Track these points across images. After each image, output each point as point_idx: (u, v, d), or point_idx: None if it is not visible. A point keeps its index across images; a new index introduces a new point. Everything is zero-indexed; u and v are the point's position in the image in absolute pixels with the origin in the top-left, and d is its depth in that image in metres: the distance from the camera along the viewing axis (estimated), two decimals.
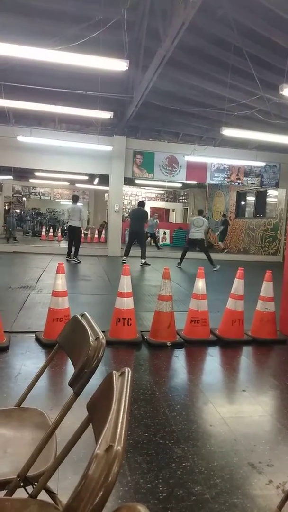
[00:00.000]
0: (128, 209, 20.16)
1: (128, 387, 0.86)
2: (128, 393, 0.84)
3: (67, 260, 10.07)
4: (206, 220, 9.92)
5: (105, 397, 0.88)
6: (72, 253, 10.24)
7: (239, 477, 1.92)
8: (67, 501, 0.64)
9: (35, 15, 6.92)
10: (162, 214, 21.95)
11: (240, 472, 1.96)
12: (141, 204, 10.41)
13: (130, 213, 10.33)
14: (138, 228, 10.06)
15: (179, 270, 9.73)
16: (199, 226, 9.55)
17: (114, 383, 0.88)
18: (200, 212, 10.57)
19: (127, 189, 20.39)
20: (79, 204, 10.27)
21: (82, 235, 11.09)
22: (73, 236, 10.20)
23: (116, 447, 0.65)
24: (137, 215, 10.08)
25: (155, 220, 15.92)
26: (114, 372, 0.93)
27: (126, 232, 17.01)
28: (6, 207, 21.22)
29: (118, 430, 0.70)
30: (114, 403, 0.80)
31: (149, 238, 15.80)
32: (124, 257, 10.13)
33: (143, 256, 10.00)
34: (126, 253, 10.16)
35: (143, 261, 9.92)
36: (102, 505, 0.60)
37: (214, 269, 9.52)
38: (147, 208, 15.95)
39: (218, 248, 16.56)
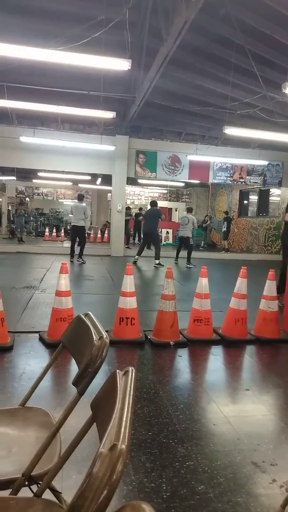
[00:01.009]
0: (132, 208, 20.16)
1: (132, 386, 0.86)
2: (131, 392, 0.84)
3: (71, 261, 9.97)
4: (193, 217, 10.50)
5: (109, 396, 0.88)
6: (77, 253, 10.15)
7: (242, 476, 1.92)
8: (71, 499, 0.65)
9: (37, 15, 6.94)
10: (165, 214, 21.93)
11: (244, 471, 1.96)
12: (154, 203, 10.21)
13: (145, 214, 10.26)
14: (148, 229, 9.98)
15: (182, 269, 9.73)
16: (185, 224, 10.28)
17: (118, 382, 0.88)
18: (189, 210, 11.09)
19: (130, 189, 20.39)
20: (83, 203, 10.19)
21: (86, 235, 11.03)
22: (76, 236, 10.15)
23: (120, 445, 0.66)
24: (151, 215, 9.97)
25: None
26: (117, 371, 0.94)
27: (131, 231, 17.00)
28: (10, 207, 21.26)
29: (122, 429, 0.71)
30: (118, 402, 0.81)
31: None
32: (136, 257, 10.03)
33: (157, 256, 9.79)
34: (139, 253, 10.05)
35: (157, 261, 9.70)
36: (106, 504, 0.60)
37: (188, 265, 10.11)
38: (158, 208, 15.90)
39: (221, 247, 16.53)
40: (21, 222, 15.81)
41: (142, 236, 10.45)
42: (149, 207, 10.84)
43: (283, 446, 2.22)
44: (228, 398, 2.89)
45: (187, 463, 2.00)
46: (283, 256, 5.86)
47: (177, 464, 1.99)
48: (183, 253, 10.65)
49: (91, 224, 22.70)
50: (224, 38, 7.10)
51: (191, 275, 8.83)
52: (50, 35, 6.72)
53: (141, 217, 10.61)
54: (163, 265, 9.65)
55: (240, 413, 2.62)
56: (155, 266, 9.68)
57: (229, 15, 6.32)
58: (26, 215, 16.65)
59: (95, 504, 0.60)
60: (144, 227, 10.17)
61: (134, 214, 17.13)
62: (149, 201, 12.48)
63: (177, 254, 10.98)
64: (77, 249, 10.19)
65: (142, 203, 21.07)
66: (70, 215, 10.51)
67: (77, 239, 10.18)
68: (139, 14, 7.14)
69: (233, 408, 2.71)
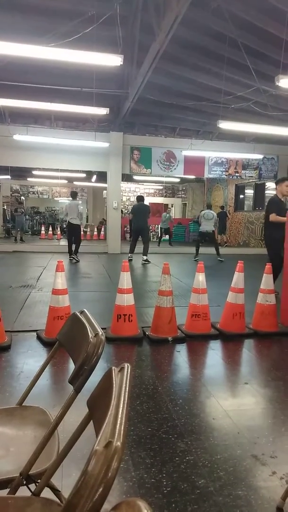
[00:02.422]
0: (127, 205, 20.11)
1: (128, 383, 0.86)
2: (127, 388, 0.84)
3: (70, 259, 9.85)
4: (215, 213, 10.77)
5: (104, 393, 0.87)
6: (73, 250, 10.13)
7: (242, 469, 1.93)
8: (67, 498, 0.64)
9: (27, 12, 6.87)
10: (161, 210, 21.91)
11: (244, 465, 1.96)
12: (141, 199, 10.12)
13: (133, 209, 10.17)
14: (143, 224, 9.90)
15: (178, 265, 9.74)
16: (209, 219, 10.29)
17: (114, 379, 0.88)
18: (209, 206, 11.18)
19: (125, 185, 20.35)
20: (77, 201, 10.13)
21: (82, 232, 10.95)
22: (73, 234, 10.12)
23: (115, 442, 0.65)
24: (141, 210, 9.87)
25: (168, 215, 15.36)
26: (113, 368, 0.93)
27: (125, 228, 16.92)
28: (5, 207, 21.18)
29: (118, 426, 0.70)
30: (113, 398, 0.80)
31: (163, 234, 15.48)
32: (130, 254, 10.00)
33: (145, 252, 9.81)
34: (132, 250, 10.02)
35: (145, 257, 9.73)
36: (102, 501, 0.60)
37: (220, 259, 10.28)
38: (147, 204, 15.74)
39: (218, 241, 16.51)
40: (22, 221, 15.67)
41: (132, 232, 10.24)
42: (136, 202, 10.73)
43: (282, 438, 2.22)
44: (227, 392, 2.89)
45: (187, 458, 2.00)
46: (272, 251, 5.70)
47: (177, 459, 1.99)
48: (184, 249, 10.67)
49: (87, 222, 22.68)
50: (217, 31, 7.06)
51: (190, 271, 8.84)
52: (41, 31, 6.66)
53: (130, 215, 10.45)
54: (150, 261, 9.66)
55: (240, 407, 2.62)
56: (143, 263, 9.62)
57: (221, 8, 6.29)
58: (22, 212, 16.53)
59: (90, 502, 0.59)
60: (136, 223, 10.00)
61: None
62: (144, 197, 12.46)
63: (197, 250, 10.70)
64: (73, 247, 10.16)
65: None
66: (63, 217, 10.39)
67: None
68: (130, 8, 7.09)
69: (232, 402, 2.72)
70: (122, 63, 5.63)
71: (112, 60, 5.59)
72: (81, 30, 6.14)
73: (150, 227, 18.09)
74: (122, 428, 0.69)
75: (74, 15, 6.45)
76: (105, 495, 0.60)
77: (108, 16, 6.21)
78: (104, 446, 0.65)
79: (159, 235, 15.91)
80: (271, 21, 6.53)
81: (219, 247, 10.93)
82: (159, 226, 15.54)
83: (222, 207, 16.64)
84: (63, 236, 17.92)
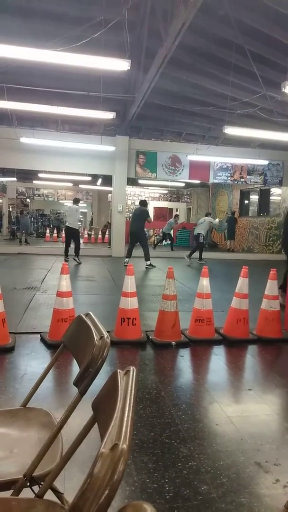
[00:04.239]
0: (132, 209, 20.14)
1: (133, 386, 0.86)
2: (133, 391, 0.84)
3: (65, 261, 9.92)
4: (207, 218, 11.56)
5: (110, 396, 0.88)
6: (71, 254, 10.15)
7: (245, 476, 1.91)
8: (72, 500, 0.64)
9: (36, 16, 6.95)
10: (166, 214, 21.91)
11: (247, 471, 1.95)
12: (143, 203, 10.00)
13: (132, 213, 10.18)
14: (136, 229, 9.69)
15: (182, 269, 9.72)
16: (200, 224, 11.39)
17: (119, 382, 0.88)
18: (207, 214, 12.20)
19: (130, 189, 20.38)
20: (77, 206, 10.20)
21: (86, 235, 10.97)
22: (70, 238, 10.14)
23: (121, 445, 0.65)
24: (136, 215, 9.76)
25: (173, 221, 15.02)
26: (119, 371, 0.93)
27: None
28: (10, 209, 21.28)
29: (123, 429, 0.70)
30: (119, 401, 0.80)
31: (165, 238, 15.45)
32: (126, 259, 9.84)
33: (146, 257, 9.69)
34: (128, 255, 9.87)
35: (148, 263, 9.63)
36: (107, 504, 0.60)
37: (195, 261, 10.94)
38: (150, 208, 15.70)
39: (223, 247, 16.49)
40: (26, 223, 15.77)
41: (129, 237, 10.10)
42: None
43: (286, 446, 2.21)
44: (230, 398, 2.88)
45: (190, 463, 1.99)
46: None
47: (179, 464, 1.98)
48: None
49: (91, 225, 22.73)
50: (223, 38, 7.10)
51: (195, 275, 8.82)
52: (49, 36, 6.72)
53: (127, 218, 10.46)
54: (154, 266, 9.57)
55: (243, 413, 2.61)
56: (146, 268, 9.53)
57: (228, 15, 6.32)
58: (28, 215, 16.64)
59: (96, 504, 0.59)
60: (132, 226, 9.81)
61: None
62: (148, 201, 12.48)
63: (192, 252, 11.36)
64: (71, 250, 10.19)
65: None
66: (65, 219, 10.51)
67: (72, 241, 10.19)
68: (138, 14, 7.15)
69: (236, 408, 2.70)
70: (129, 68, 5.67)
71: (119, 65, 5.63)
72: (89, 35, 6.19)
73: (154, 231, 18.09)
74: (128, 430, 0.70)
75: (83, 20, 6.51)
76: (111, 498, 0.60)
77: (116, 21, 6.26)
78: (110, 449, 0.65)
79: (161, 239, 15.83)
80: (278, 28, 6.56)
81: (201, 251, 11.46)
82: (162, 230, 15.52)
83: (233, 213, 16.54)
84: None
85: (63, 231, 12.59)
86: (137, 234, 9.79)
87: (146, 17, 6.91)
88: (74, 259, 10.07)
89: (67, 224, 10.00)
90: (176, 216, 15.94)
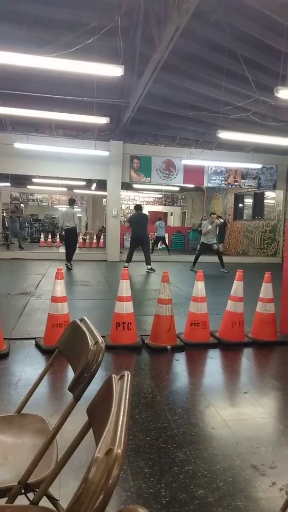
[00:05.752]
0: (127, 213, 20.15)
1: (128, 390, 0.86)
2: (127, 396, 0.84)
3: (66, 265, 9.90)
4: (212, 224, 10.74)
5: (104, 401, 0.87)
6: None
7: (242, 479, 1.91)
8: (67, 505, 0.64)
9: (30, 22, 6.97)
10: (161, 218, 21.97)
11: (243, 475, 1.94)
12: (139, 207, 10.07)
13: (131, 219, 10.09)
14: (143, 234, 9.80)
15: (177, 273, 9.73)
16: (210, 232, 10.24)
17: (114, 387, 0.88)
18: (205, 220, 12.00)
19: (124, 193, 20.41)
20: (73, 208, 10.07)
21: (81, 240, 10.82)
22: (69, 238, 10.03)
23: (116, 450, 0.65)
24: (141, 219, 9.79)
25: (158, 222, 15.28)
26: (113, 375, 0.93)
27: (124, 237, 16.92)
28: (5, 214, 21.20)
29: (118, 433, 0.70)
30: (113, 406, 0.80)
31: (159, 242, 15.44)
32: (126, 264, 9.90)
33: (148, 262, 9.73)
34: (129, 259, 9.85)
35: (149, 267, 9.66)
36: (102, 509, 0.60)
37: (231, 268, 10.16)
38: (145, 213, 15.68)
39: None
40: (15, 228, 15.59)
41: (131, 241, 10.07)
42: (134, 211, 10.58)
43: (282, 448, 2.21)
44: (226, 402, 2.88)
45: (186, 468, 1.98)
46: None
47: (176, 468, 1.98)
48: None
49: (86, 229, 22.68)
50: (216, 43, 7.17)
51: (190, 279, 8.83)
52: (43, 41, 6.75)
53: (127, 224, 10.34)
54: (154, 270, 9.59)
55: (239, 416, 2.61)
56: (147, 272, 9.58)
57: (221, 21, 6.39)
58: (22, 221, 16.48)
59: (91, 509, 0.59)
60: (136, 232, 9.78)
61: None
62: (143, 205, 12.48)
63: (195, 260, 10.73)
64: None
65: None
66: (61, 222, 10.28)
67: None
68: (131, 20, 7.20)
69: (232, 411, 2.70)
70: (123, 73, 5.70)
71: (113, 71, 5.66)
72: (83, 41, 6.21)
73: (150, 235, 18.11)
74: (123, 435, 0.70)
75: (76, 27, 6.53)
76: (105, 503, 0.60)
77: (110, 27, 6.30)
78: (104, 454, 0.65)
79: (154, 243, 15.83)
80: (270, 33, 6.64)
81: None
82: (155, 234, 15.55)
83: (219, 217, 16.62)
84: (62, 243, 17.90)
85: (59, 236, 12.49)
86: (142, 240, 9.86)
87: (139, 22, 6.96)
88: (66, 265, 9.85)
89: (64, 226, 9.82)
90: (160, 218, 16.08)
